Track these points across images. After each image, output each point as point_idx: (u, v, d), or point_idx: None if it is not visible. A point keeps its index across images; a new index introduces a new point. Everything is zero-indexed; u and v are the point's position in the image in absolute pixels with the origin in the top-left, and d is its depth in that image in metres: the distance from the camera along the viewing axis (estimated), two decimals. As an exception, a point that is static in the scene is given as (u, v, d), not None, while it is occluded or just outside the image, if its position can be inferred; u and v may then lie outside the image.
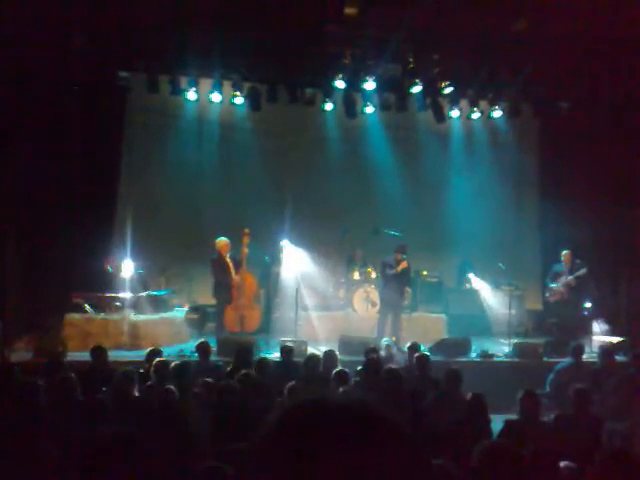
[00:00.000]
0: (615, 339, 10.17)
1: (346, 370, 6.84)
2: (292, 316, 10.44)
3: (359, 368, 7.50)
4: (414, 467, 0.92)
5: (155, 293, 10.90)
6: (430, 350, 9.28)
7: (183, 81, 11.48)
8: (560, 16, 9.44)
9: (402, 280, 10.59)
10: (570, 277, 11.07)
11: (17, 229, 9.89)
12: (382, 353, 8.67)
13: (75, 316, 9.71)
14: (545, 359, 9.54)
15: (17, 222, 9.87)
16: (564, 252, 11.27)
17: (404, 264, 10.45)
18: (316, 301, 11.81)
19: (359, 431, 0.90)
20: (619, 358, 8.75)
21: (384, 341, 9.93)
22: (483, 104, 12.58)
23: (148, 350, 7.72)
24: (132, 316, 9.94)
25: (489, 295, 11.96)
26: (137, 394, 5.97)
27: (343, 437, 0.89)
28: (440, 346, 9.70)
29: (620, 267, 12.21)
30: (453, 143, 13.34)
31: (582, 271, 10.98)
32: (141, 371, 6.87)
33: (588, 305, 11.41)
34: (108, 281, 10.63)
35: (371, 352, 7.88)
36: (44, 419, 4.81)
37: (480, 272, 12.30)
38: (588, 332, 10.74)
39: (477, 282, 12.28)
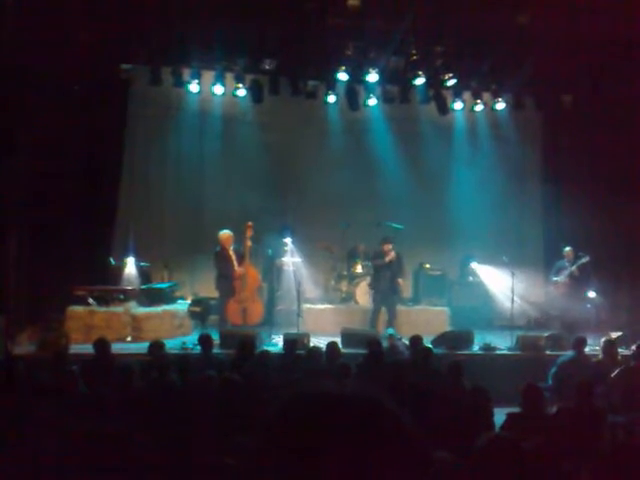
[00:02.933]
0: (617, 332, 10.16)
1: (348, 363, 6.85)
2: (294, 309, 10.45)
3: (361, 361, 7.50)
4: (414, 460, 0.92)
5: (158, 286, 10.92)
6: (433, 343, 9.29)
7: (185, 73, 11.45)
8: (563, 9, 9.40)
9: (393, 271, 10.58)
10: (573, 267, 11.10)
11: (20, 222, 9.89)
12: (384, 344, 8.67)
13: (78, 309, 9.71)
14: (547, 352, 9.53)
15: (20, 215, 9.87)
16: (566, 249, 11.27)
17: (391, 255, 10.46)
18: (318, 294, 11.82)
19: (359, 425, 0.90)
20: (621, 351, 8.73)
21: (387, 331, 9.95)
22: (486, 96, 12.53)
23: (151, 343, 7.73)
24: (135, 309, 9.96)
25: (494, 279, 11.90)
26: (139, 387, 5.98)
27: (343, 431, 0.88)
28: (443, 339, 9.69)
29: (622, 259, 12.19)
30: (456, 136, 13.28)
31: (585, 259, 11.02)
32: (144, 364, 6.88)
33: (591, 295, 11.41)
34: (111, 274, 10.66)
35: (374, 345, 7.88)
36: (47, 412, 4.82)
37: (482, 265, 12.28)
38: (591, 325, 10.73)
39: (481, 269, 12.24)
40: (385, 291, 10.58)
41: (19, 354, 8.24)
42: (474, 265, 12.34)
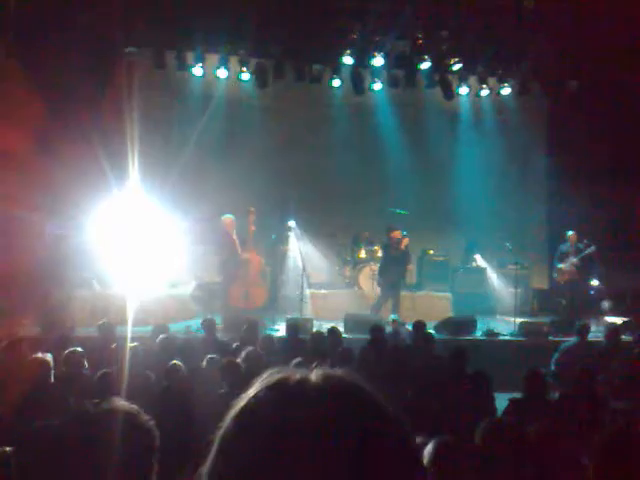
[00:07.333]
0: (621, 319, 10.16)
1: (350, 348, 6.87)
2: (298, 294, 10.46)
3: (364, 346, 7.52)
4: (398, 455, 0.82)
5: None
6: (435, 328, 9.31)
7: (189, 57, 11.39)
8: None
9: (404, 259, 10.58)
10: (576, 258, 11.07)
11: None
12: (388, 328, 8.69)
13: (83, 291, 9.75)
14: (550, 338, 9.54)
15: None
16: (569, 233, 11.26)
17: (406, 240, 10.46)
18: (322, 279, 11.82)
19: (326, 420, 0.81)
20: (624, 338, 8.74)
21: (391, 317, 9.96)
22: (492, 81, 12.46)
23: (154, 326, 7.75)
24: (139, 292, 9.96)
25: (494, 277, 11.97)
26: (142, 370, 5.99)
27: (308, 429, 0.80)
28: (445, 325, 9.70)
29: (627, 246, 12.16)
30: (461, 121, 13.23)
31: (590, 249, 10.97)
32: (147, 347, 6.90)
33: (595, 283, 11.40)
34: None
35: (377, 330, 7.89)
36: (52, 394, 4.85)
37: (486, 251, 12.28)
38: (594, 311, 10.73)
39: (483, 264, 12.27)
40: (395, 280, 10.55)
41: (24, 336, 8.26)
42: (477, 257, 12.34)
